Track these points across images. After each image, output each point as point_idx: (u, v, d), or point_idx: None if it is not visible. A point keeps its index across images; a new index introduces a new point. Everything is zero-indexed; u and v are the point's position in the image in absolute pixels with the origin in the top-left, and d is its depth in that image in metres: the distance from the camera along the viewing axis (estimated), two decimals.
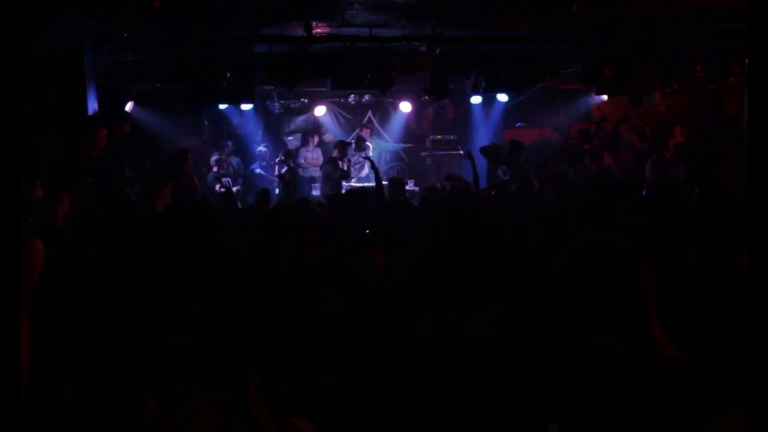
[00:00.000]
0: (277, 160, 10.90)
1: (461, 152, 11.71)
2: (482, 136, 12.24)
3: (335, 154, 10.22)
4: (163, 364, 1.68)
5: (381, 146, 12.61)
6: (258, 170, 11.64)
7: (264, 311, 2.00)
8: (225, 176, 10.29)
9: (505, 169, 8.71)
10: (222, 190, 9.25)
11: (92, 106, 6.81)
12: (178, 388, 1.64)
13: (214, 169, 10.29)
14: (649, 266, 1.57)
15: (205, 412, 1.64)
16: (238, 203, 9.18)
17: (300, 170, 11.63)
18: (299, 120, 12.78)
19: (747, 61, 7.61)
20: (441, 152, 11.91)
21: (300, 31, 7.37)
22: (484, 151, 9.24)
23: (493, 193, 6.36)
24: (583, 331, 1.56)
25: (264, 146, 12.01)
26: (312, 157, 11.78)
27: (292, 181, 10.22)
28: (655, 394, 1.46)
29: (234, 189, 9.96)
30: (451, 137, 12.15)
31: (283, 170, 10.44)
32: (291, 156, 10.91)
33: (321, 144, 12.12)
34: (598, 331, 1.54)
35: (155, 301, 1.80)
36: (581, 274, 1.57)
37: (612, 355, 1.53)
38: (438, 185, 7.77)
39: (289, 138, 12.72)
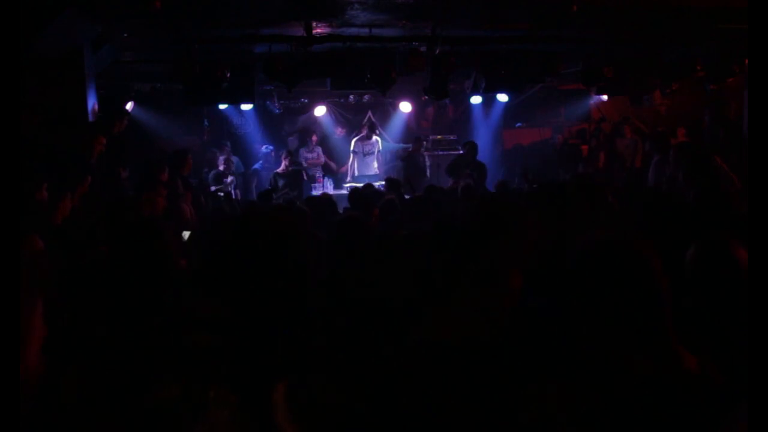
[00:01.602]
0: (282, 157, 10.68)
1: (461, 152, 11.73)
2: (482, 136, 12.25)
3: (411, 148, 10.26)
4: (180, 362, 1.66)
5: (381, 146, 12.63)
6: (260, 169, 11.63)
7: (264, 311, 2.00)
8: (229, 176, 10.25)
9: (469, 172, 8.77)
10: (221, 194, 9.25)
11: (92, 106, 6.82)
12: (194, 386, 1.63)
13: (221, 168, 10.25)
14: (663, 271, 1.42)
15: (219, 411, 1.63)
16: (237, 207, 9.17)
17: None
18: (299, 120, 12.78)
19: (747, 61, 7.61)
20: (441, 152, 11.92)
21: (300, 31, 7.37)
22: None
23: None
24: (593, 339, 1.44)
25: (266, 147, 12.00)
26: (312, 157, 11.76)
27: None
28: (674, 408, 1.36)
29: (231, 190, 9.94)
30: (451, 137, 12.14)
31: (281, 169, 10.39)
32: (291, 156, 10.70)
33: (320, 143, 12.12)
34: (611, 339, 1.41)
35: (174, 300, 1.79)
36: (593, 275, 1.44)
37: (625, 366, 1.40)
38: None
39: (290, 138, 12.73)
